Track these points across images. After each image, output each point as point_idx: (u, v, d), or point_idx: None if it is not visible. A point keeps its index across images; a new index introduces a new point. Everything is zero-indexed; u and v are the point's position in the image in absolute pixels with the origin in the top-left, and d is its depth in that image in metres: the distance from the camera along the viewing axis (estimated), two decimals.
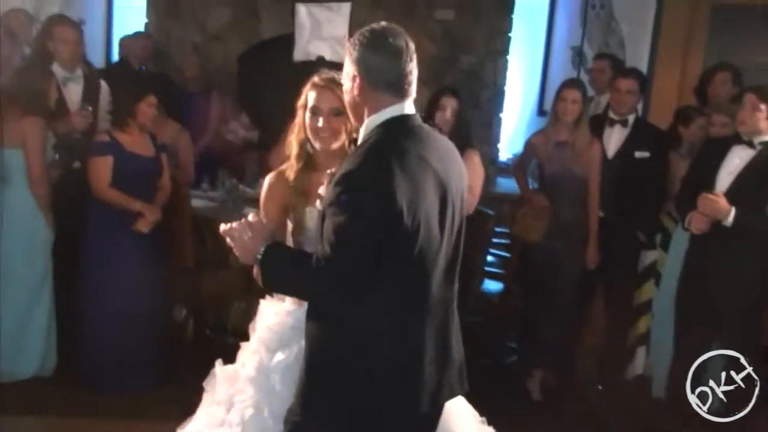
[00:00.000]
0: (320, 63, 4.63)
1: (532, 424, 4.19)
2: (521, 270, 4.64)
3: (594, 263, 4.36)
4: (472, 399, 4.29)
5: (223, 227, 2.19)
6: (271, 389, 2.41)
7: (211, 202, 4.89)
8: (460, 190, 2.23)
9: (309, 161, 2.50)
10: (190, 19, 6.44)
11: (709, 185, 3.79)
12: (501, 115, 6.78)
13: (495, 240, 4.91)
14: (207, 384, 2.61)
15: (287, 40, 5.89)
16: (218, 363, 2.61)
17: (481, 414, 4.16)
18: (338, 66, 4.69)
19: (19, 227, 3.99)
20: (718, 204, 3.68)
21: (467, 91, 6.27)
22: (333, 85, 2.41)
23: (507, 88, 6.75)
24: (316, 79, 2.46)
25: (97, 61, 6.42)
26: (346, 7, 5.93)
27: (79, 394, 3.99)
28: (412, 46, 2.14)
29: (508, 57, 6.62)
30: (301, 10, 6.00)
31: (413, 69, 2.14)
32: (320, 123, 2.42)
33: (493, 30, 6.54)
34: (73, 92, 4.39)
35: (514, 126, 7.45)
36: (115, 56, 6.65)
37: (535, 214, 4.36)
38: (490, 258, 4.95)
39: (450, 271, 2.22)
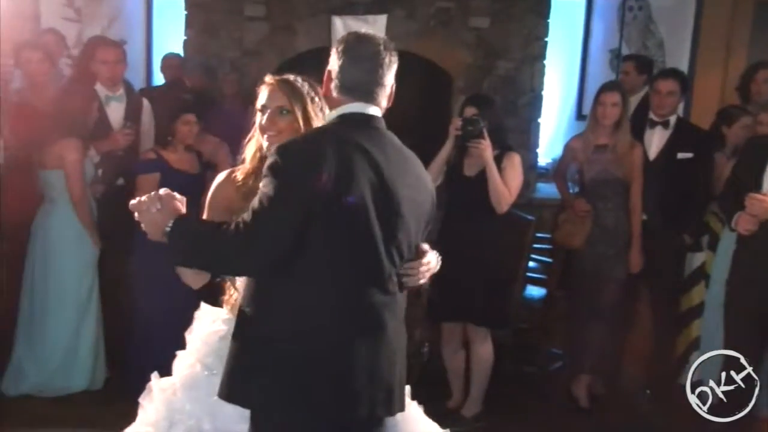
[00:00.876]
0: None
1: (579, 430, 4.15)
2: (564, 275, 4.61)
3: (637, 267, 4.30)
4: (517, 406, 4.32)
5: (132, 202, 2.14)
6: (213, 406, 2.27)
7: None
8: (415, 202, 2.18)
9: (262, 164, 2.27)
10: (227, 35, 6.52)
11: (755, 185, 3.71)
12: (539, 120, 6.73)
13: (536, 246, 4.88)
14: (143, 398, 2.49)
15: (323, 53, 5.92)
16: (154, 376, 2.49)
17: (528, 421, 4.18)
18: None
19: (66, 245, 4.10)
20: (767, 204, 3.60)
21: (504, 97, 6.25)
22: (283, 85, 2.37)
23: (544, 93, 6.70)
24: (267, 77, 2.43)
25: (138, 80, 6.54)
26: (382, 19, 5.96)
27: (129, 407, 4.03)
28: (388, 57, 2.18)
29: (544, 62, 6.58)
30: (337, 22, 6.04)
31: (383, 78, 2.18)
32: (264, 121, 2.36)
33: (529, 35, 6.50)
34: (116, 111, 4.49)
35: (553, 131, 7.39)
36: (156, 74, 6.77)
37: (577, 219, 4.33)
38: (531, 264, 4.92)
39: (383, 276, 2.12)
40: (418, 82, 5.86)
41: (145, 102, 4.69)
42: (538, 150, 6.85)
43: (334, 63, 2.19)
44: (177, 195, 2.16)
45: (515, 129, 6.02)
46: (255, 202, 2.02)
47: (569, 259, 4.48)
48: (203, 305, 2.49)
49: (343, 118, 2.16)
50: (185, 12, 6.55)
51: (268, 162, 2.06)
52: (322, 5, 6.27)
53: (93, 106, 4.18)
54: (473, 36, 6.47)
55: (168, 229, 2.07)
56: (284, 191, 1.99)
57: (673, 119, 4.42)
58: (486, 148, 3.81)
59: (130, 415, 3.91)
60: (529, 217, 4.46)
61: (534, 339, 4.91)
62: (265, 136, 2.36)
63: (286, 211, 2.00)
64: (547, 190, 6.37)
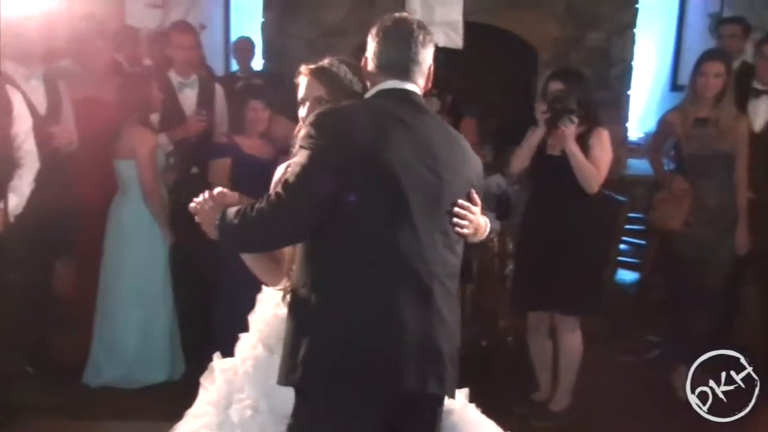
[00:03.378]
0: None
1: (678, 423, 3.88)
2: (661, 259, 4.34)
3: (744, 249, 4.03)
4: (611, 398, 4.08)
5: (191, 205, 2.21)
6: (271, 387, 2.29)
7: None
8: (458, 171, 2.19)
9: None
10: (306, 15, 6.42)
11: None
12: (629, 92, 6.40)
13: (628, 227, 4.61)
14: (204, 379, 2.52)
15: None
16: (216, 356, 2.53)
17: (622, 414, 3.94)
18: (452, 52, 4.44)
19: (137, 236, 4.07)
20: None
21: (594, 69, 5.96)
22: (318, 74, 2.37)
23: (635, 64, 6.37)
24: (302, 67, 2.41)
25: (217, 64, 6.53)
26: None
27: None
28: (422, 36, 2.23)
29: (635, 30, 6.24)
30: None
31: (418, 55, 2.22)
32: (303, 113, 2.36)
33: (619, 2, 6.18)
34: (189, 98, 4.44)
35: (645, 103, 7.06)
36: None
37: (675, 199, 4.08)
38: (623, 246, 4.65)
39: (421, 240, 2.10)
40: (501, 57, 5.65)
41: (218, 88, 4.63)
42: (628, 124, 6.54)
43: (370, 46, 2.25)
44: (228, 191, 2.21)
45: (606, 103, 5.75)
46: (287, 173, 2.07)
47: (665, 242, 4.20)
48: (264, 288, 2.49)
49: (380, 93, 2.22)
50: None
51: (301, 134, 2.11)
52: None
53: (156, 94, 4.11)
54: (561, 6, 6.21)
55: (217, 222, 2.13)
56: (317, 158, 2.03)
57: None
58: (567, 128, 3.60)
59: None
60: (622, 198, 4.19)
61: (627, 326, 4.65)
62: None
63: (319, 176, 2.02)
64: (638, 166, 6.11)
